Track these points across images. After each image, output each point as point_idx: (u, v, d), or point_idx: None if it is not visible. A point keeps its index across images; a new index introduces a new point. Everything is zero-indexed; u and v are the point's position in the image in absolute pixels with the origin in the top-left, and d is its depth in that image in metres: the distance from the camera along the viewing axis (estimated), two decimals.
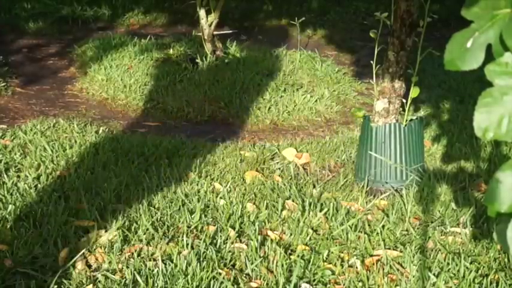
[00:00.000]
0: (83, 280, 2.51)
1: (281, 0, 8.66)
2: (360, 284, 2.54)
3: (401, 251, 2.78)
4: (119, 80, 5.42)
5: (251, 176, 3.52)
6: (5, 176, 3.39)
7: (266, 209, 3.12)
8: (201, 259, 2.64)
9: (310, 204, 3.16)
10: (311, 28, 7.66)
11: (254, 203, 3.19)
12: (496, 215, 0.87)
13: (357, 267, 2.65)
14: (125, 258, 2.65)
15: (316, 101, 5.14)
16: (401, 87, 3.45)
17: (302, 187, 3.41)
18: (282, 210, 3.11)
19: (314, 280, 2.57)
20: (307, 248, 2.77)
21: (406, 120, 3.43)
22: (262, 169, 3.67)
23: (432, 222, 3.04)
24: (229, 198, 3.22)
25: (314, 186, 3.43)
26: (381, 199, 3.29)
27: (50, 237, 2.79)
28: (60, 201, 3.09)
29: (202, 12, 5.76)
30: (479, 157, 3.83)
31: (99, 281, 2.51)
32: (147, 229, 2.88)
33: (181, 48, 6.18)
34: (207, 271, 2.55)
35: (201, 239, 2.80)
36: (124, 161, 3.67)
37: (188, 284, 2.47)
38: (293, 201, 3.22)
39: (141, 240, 2.79)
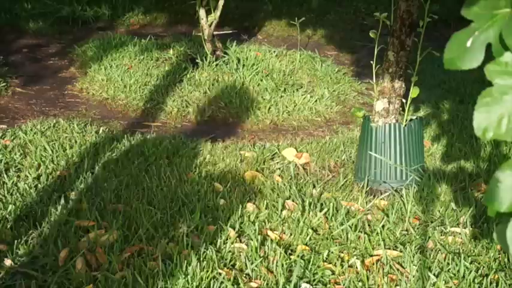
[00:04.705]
0: (83, 280, 2.51)
1: (281, 0, 8.66)
2: (360, 284, 2.54)
3: (401, 251, 2.78)
4: (119, 80, 5.42)
5: (251, 176, 3.52)
6: (5, 176, 3.39)
7: (266, 209, 3.12)
8: (201, 259, 2.64)
9: (310, 204, 3.16)
10: (311, 28, 7.66)
11: (254, 203, 3.19)
12: (495, 214, 0.87)
13: (357, 267, 2.65)
14: (125, 258, 2.65)
15: (316, 101, 5.14)
16: (401, 87, 3.45)
17: (302, 187, 3.41)
18: (282, 210, 3.11)
19: (314, 280, 2.57)
20: (307, 248, 2.77)
21: (406, 120, 3.43)
22: (262, 169, 3.67)
23: (432, 222, 3.04)
24: (229, 198, 3.22)
25: (314, 186, 3.43)
26: (381, 199, 3.29)
27: (50, 237, 2.79)
28: (60, 201, 3.09)
29: (202, 12, 5.76)
30: (479, 157, 3.83)
31: (99, 281, 2.51)
32: (147, 229, 2.88)
33: (181, 48, 6.18)
34: (207, 271, 2.55)
35: (201, 239, 2.80)
36: (124, 161, 3.67)
37: (188, 284, 2.47)
38: (293, 201, 3.22)
39: (141, 240, 2.79)
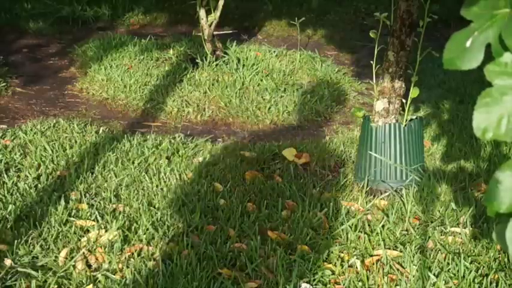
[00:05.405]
0: (83, 280, 2.51)
1: (281, 0, 8.66)
2: (360, 284, 2.54)
3: (401, 251, 2.78)
4: (119, 80, 5.42)
5: (251, 176, 3.52)
6: (5, 176, 3.39)
7: (266, 209, 3.12)
8: (201, 259, 2.64)
9: (310, 204, 3.16)
10: (311, 28, 7.66)
11: (254, 203, 3.19)
12: (495, 214, 0.87)
13: (357, 267, 2.65)
14: (125, 258, 2.65)
15: (316, 101, 5.14)
16: (401, 87, 3.46)
17: (302, 187, 3.41)
18: (282, 210, 3.11)
19: (314, 280, 2.57)
20: (307, 248, 2.77)
21: (406, 120, 3.43)
22: (262, 169, 3.67)
23: (432, 222, 3.04)
24: (229, 198, 3.22)
25: (314, 186, 3.43)
26: (381, 199, 3.29)
27: (50, 237, 2.79)
28: (60, 201, 3.09)
29: (202, 12, 5.76)
30: (479, 157, 3.83)
31: (99, 281, 2.51)
32: (147, 229, 2.88)
33: (181, 48, 6.18)
34: (207, 271, 2.55)
35: (201, 239, 2.80)
36: (124, 161, 3.67)
37: (188, 284, 2.47)
38: (293, 201, 3.22)
39: (141, 240, 2.80)
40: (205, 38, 5.79)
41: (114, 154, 3.75)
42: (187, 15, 7.60)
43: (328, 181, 3.55)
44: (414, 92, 3.39)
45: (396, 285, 2.56)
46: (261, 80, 5.45)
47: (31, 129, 4.11)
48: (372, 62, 3.40)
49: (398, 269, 2.64)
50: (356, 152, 3.70)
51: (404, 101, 3.44)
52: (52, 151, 3.76)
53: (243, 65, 5.71)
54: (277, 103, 5.04)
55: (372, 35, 3.40)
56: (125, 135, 4.11)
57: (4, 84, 5.31)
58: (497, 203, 0.85)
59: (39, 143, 3.87)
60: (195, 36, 6.52)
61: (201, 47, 5.93)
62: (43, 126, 4.20)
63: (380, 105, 3.46)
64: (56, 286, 2.47)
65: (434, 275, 2.59)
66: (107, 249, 2.71)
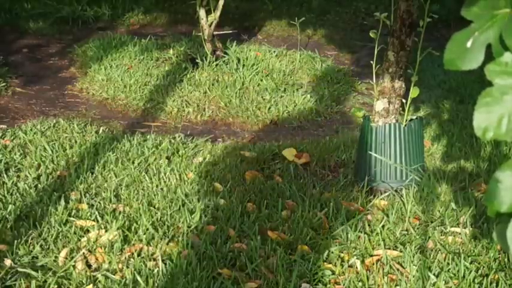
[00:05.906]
0: (83, 280, 2.51)
1: (281, 0, 8.66)
2: (360, 284, 2.54)
3: (401, 251, 2.78)
4: (119, 80, 5.42)
5: (251, 176, 3.52)
6: (5, 176, 3.39)
7: (266, 209, 3.12)
8: (201, 259, 2.64)
9: (310, 204, 3.16)
10: (311, 28, 7.66)
11: (254, 203, 3.19)
12: (495, 214, 0.87)
13: (357, 267, 2.65)
14: (125, 258, 2.65)
15: (316, 101, 5.14)
16: (401, 87, 3.45)
17: (302, 187, 3.41)
18: (282, 210, 3.11)
19: (314, 280, 2.57)
20: (307, 248, 2.77)
21: (406, 120, 3.43)
22: (262, 169, 3.67)
23: (432, 222, 3.04)
24: (230, 198, 3.22)
25: (314, 186, 3.43)
26: (381, 199, 3.29)
27: (50, 237, 2.79)
28: (60, 201, 3.09)
29: (202, 12, 5.76)
30: (479, 157, 3.83)
31: (99, 281, 2.51)
32: (147, 229, 2.88)
33: (181, 48, 6.18)
34: (207, 271, 2.55)
35: (201, 239, 2.80)
36: (124, 161, 3.67)
37: (188, 284, 2.47)
38: (293, 201, 3.22)
39: (141, 240, 2.79)
40: (205, 38, 5.79)
41: (114, 154, 3.75)
42: (187, 15, 7.60)
43: (328, 181, 3.55)
44: (414, 92, 3.39)
45: (396, 285, 2.56)
46: (261, 80, 5.45)
47: (31, 129, 4.11)
48: (372, 62, 3.39)
49: (398, 269, 2.64)
50: (356, 152, 3.70)
51: (404, 101, 3.44)
52: (52, 151, 3.76)
53: (243, 65, 5.71)
54: (277, 103, 5.04)
55: (371, 35, 3.40)
56: (125, 135, 4.11)
57: (4, 84, 5.31)
58: (498, 202, 0.85)
59: (39, 143, 3.87)
60: (195, 36, 6.52)
61: (201, 47, 5.93)
62: (43, 126, 4.20)
63: (380, 105, 3.46)
64: (56, 286, 2.47)
65: (434, 275, 2.59)
66: (107, 249, 2.71)
